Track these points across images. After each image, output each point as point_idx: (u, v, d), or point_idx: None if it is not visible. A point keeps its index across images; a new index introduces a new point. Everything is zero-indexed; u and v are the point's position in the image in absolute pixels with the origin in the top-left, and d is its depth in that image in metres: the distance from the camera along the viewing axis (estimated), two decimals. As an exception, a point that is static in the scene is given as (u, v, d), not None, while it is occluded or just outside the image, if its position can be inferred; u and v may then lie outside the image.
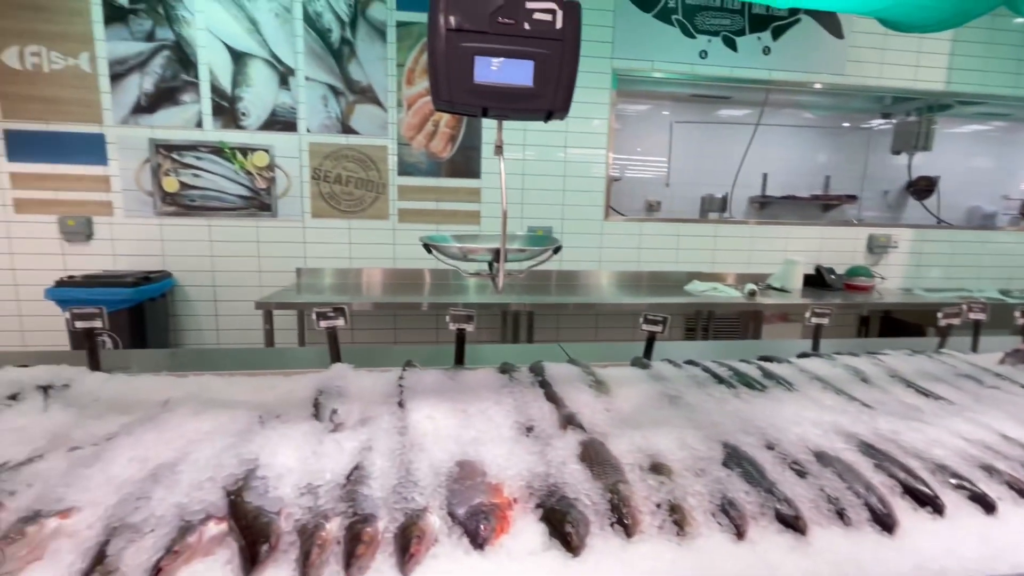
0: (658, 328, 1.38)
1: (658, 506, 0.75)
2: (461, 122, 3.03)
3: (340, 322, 1.28)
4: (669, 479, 0.80)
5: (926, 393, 1.17)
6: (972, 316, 1.58)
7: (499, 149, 1.11)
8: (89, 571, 0.60)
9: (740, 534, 0.72)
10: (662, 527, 0.72)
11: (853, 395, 1.14)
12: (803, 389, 1.17)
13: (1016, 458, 0.90)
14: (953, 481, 0.84)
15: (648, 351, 1.40)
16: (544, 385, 1.13)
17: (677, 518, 0.73)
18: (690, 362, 1.33)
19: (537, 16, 0.90)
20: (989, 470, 0.87)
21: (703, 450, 0.88)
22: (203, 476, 0.75)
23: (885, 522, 0.75)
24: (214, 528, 0.67)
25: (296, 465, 0.80)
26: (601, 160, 3.36)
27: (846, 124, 4.49)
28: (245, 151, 2.96)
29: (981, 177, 4.47)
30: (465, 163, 3.16)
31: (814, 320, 1.50)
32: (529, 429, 0.96)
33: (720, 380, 1.21)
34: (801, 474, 0.83)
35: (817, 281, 3.56)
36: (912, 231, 3.85)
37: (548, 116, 1.00)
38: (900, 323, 3.64)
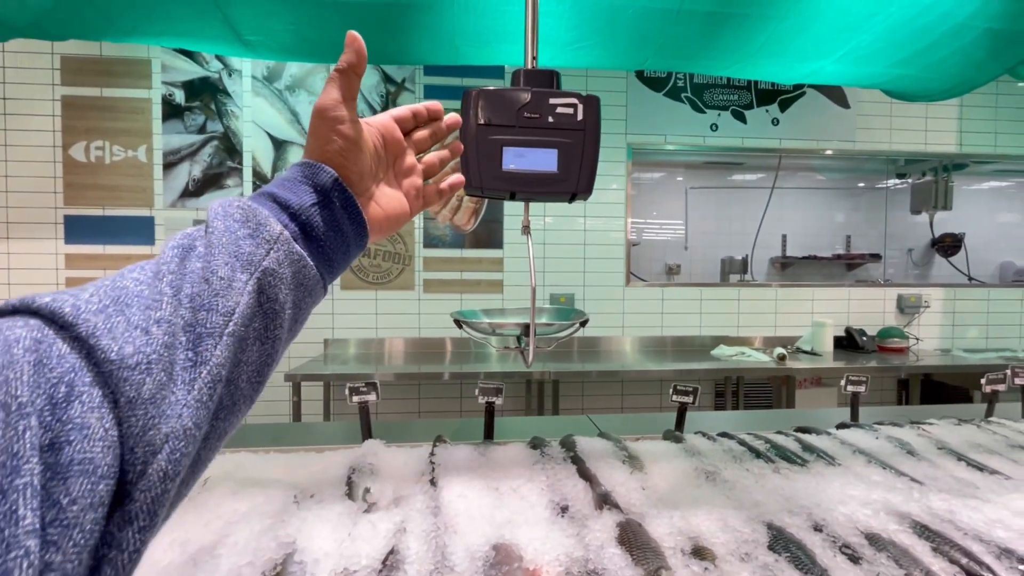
0: (689, 399, 1.36)
1: (704, 595, 0.72)
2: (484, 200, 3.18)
3: (372, 397, 1.30)
4: (714, 564, 0.77)
5: (980, 467, 1.11)
6: (1018, 381, 1.52)
7: (526, 229, 1.18)
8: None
9: (795, 628, 0.68)
10: (710, 619, 0.69)
11: (901, 470, 1.09)
12: (846, 463, 1.13)
13: (1088, 541, 0.84)
14: (1022, 568, 0.78)
15: (680, 423, 1.38)
16: (576, 461, 1.11)
17: (725, 609, 0.69)
18: (724, 434, 1.30)
19: (560, 110, 0.99)
20: (1060, 555, 0.81)
21: (747, 532, 0.85)
22: (243, 560, 0.75)
23: (952, 615, 0.70)
24: (253, 617, 0.66)
25: (332, 548, 0.80)
26: (620, 228, 3.45)
27: (862, 184, 4.55)
28: (281, 229, 3.15)
29: (1009, 232, 4.41)
30: (488, 235, 3.28)
31: (850, 388, 1.46)
32: (564, 509, 0.94)
33: (757, 454, 1.17)
34: (854, 559, 0.79)
35: (849, 343, 3.47)
36: (943, 290, 3.77)
37: (572, 198, 1.06)
38: (941, 386, 3.48)
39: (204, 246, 0.36)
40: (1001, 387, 1.50)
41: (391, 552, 0.79)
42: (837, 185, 4.55)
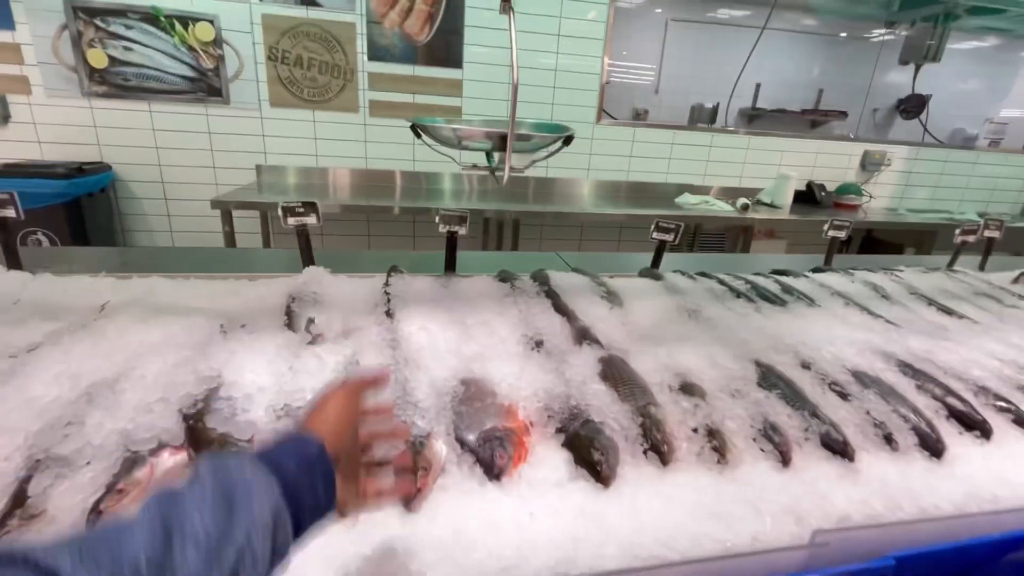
0: (670, 236, 1.25)
1: (695, 431, 0.66)
2: (440, 0, 2.62)
3: (311, 220, 1.10)
4: (704, 401, 0.71)
5: (950, 312, 1.10)
6: (988, 234, 1.51)
7: (507, 4, 0.89)
8: (5, 517, 0.46)
9: (785, 461, 0.64)
10: (700, 454, 0.64)
11: (878, 312, 1.06)
12: (826, 305, 1.09)
13: (1053, 380, 0.85)
14: (997, 404, 0.78)
15: (657, 261, 1.29)
16: (551, 295, 1.00)
17: (716, 444, 0.64)
18: (703, 274, 1.23)
19: None
20: (1029, 392, 0.81)
21: (736, 369, 0.79)
22: (152, 397, 0.61)
23: (934, 448, 0.68)
24: (169, 459, 0.54)
25: (269, 383, 0.67)
26: (597, 54, 3.03)
27: (844, 34, 4.17)
28: (184, 20, 2.49)
29: (968, 99, 4.31)
30: (445, 49, 2.78)
31: (831, 233, 1.40)
32: (539, 344, 0.85)
33: (738, 294, 1.11)
34: (843, 396, 0.75)
35: (807, 198, 3.48)
36: (906, 149, 3.75)
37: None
38: (880, 242, 3.65)
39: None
40: (971, 238, 1.48)
41: (342, 387, 0.67)
42: (822, 31, 4.15)
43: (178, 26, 2.51)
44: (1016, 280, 1.36)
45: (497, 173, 0.99)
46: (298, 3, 2.59)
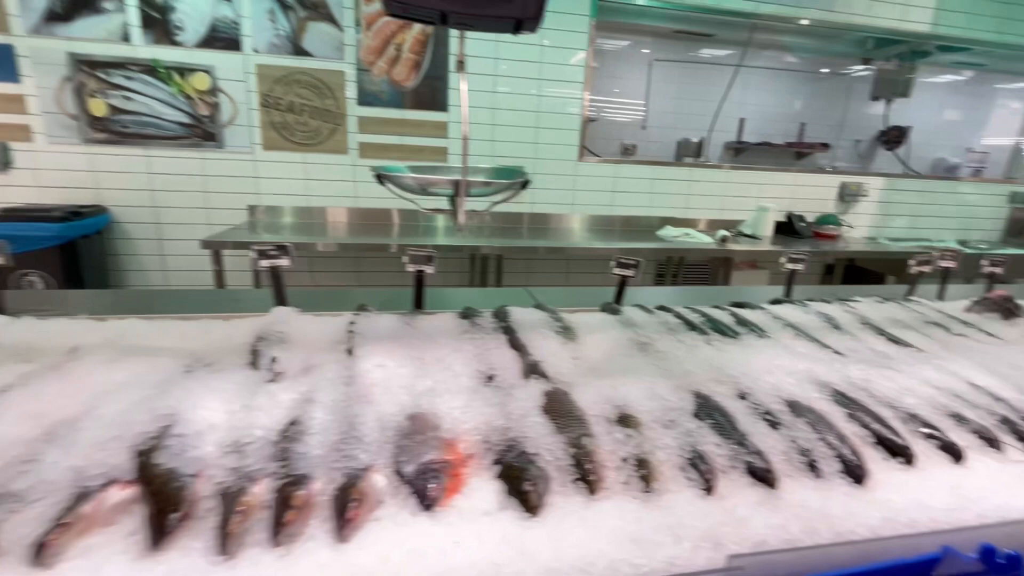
0: (630, 272, 1.31)
1: (624, 460, 0.70)
2: (426, 48, 2.77)
3: (284, 261, 1.16)
4: (637, 431, 0.74)
5: (896, 340, 1.15)
6: (943, 264, 1.57)
7: (461, 65, 0.97)
8: (-44, 549, 0.50)
9: (709, 488, 0.67)
10: (628, 483, 0.67)
11: (825, 343, 1.11)
12: (776, 336, 1.13)
13: (983, 406, 0.89)
14: (924, 430, 0.81)
15: (619, 296, 1.34)
16: (508, 331, 1.05)
17: (644, 473, 0.68)
18: (662, 308, 1.28)
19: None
20: (958, 418, 0.85)
21: (673, 400, 0.83)
22: (108, 434, 0.65)
23: (856, 473, 0.72)
24: (117, 494, 0.58)
25: (222, 420, 0.71)
26: (577, 96, 3.17)
27: (825, 70, 4.37)
28: (183, 71, 2.64)
29: (949, 129, 4.48)
30: (431, 94, 2.93)
31: (789, 266, 1.45)
32: (490, 378, 0.89)
33: (692, 327, 1.15)
34: (774, 425, 0.79)
35: (787, 229, 3.56)
36: (882, 180, 3.86)
37: (518, 27, 0.85)
38: (863, 271, 3.71)
39: None
40: (927, 268, 1.54)
41: (292, 423, 0.71)
42: (802, 67, 4.35)
43: (176, 76, 2.64)
44: (968, 309, 1.40)
45: (456, 215, 1.06)
46: (290, 53, 2.73)
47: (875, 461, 0.75)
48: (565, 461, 0.69)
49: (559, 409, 0.78)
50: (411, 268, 1.20)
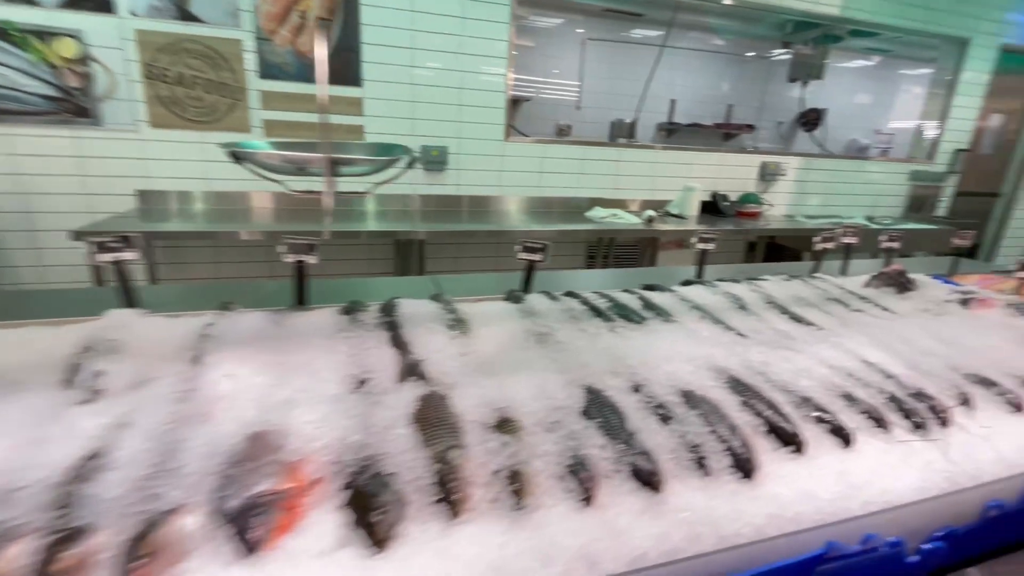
0: (537, 256, 1.23)
1: (496, 474, 0.62)
2: (335, 16, 2.54)
3: (128, 255, 0.99)
4: (515, 438, 0.67)
5: (798, 319, 1.14)
6: (845, 240, 1.60)
7: (320, 21, 0.84)
8: None
9: (588, 499, 0.61)
10: (497, 500, 0.59)
11: (730, 324, 1.08)
12: (681, 319, 1.09)
13: (875, 384, 0.88)
14: (815, 415, 0.79)
15: (527, 282, 1.26)
16: (392, 327, 0.94)
17: (516, 487, 0.60)
18: (570, 294, 1.21)
19: None
20: (849, 399, 0.83)
21: (562, 398, 0.76)
22: None
23: (745, 467, 0.68)
24: None
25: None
26: (501, 73, 3.04)
27: (750, 53, 4.48)
28: (42, 35, 2.28)
29: (861, 112, 4.74)
30: (343, 68, 2.71)
31: (700, 246, 1.43)
32: (361, 383, 0.78)
33: (598, 313, 1.09)
34: (665, 419, 0.74)
35: (713, 208, 3.64)
36: (799, 159, 4.01)
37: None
38: (782, 248, 3.87)
39: None
40: (831, 245, 1.56)
41: (90, 456, 0.58)
42: (728, 50, 4.44)
43: (35, 41, 2.29)
44: (867, 284, 1.43)
45: (326, 198, 0.93)
46: (176, 18, 2.43)
47: (766, 452, 0.71)
48: (427, 480, 0.60)
49: (431, 417, 0.69)
50: (290, 258, 1.07)
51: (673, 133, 4.22)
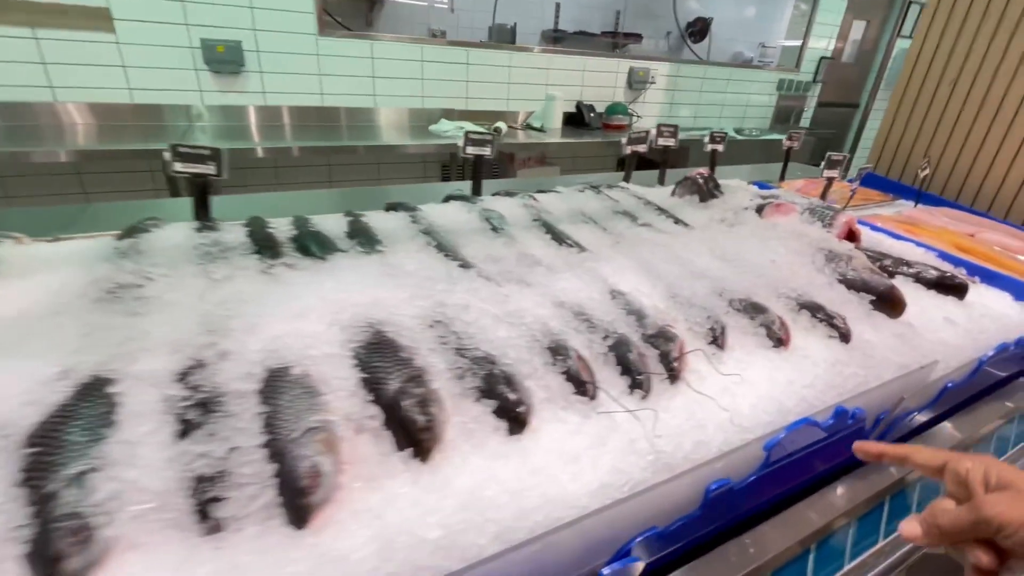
0: (208, 168, 0.85)
1: None
2: None
3: None
4: None
5: (561, 239, 0.88)
6: (661, 142, 1.36)
7: None
8: None
9: None
10: None
11: (457, 254, 0.79)
12: (391, 251, 0.78)
13: (603, 326, 0.64)
14: (486, 387, 0.53)
15: (202, 207, 0.88)
16: None
17: None
18: (252, 221, 0.85)
19: None
20: (555, 354, 0.58)
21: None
22: None
23: (300, 516, 0.40)
24: None
25: None
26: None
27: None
28: None
29: (748, 25, 4.54)
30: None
31: (470, 150, 1.11)
32: None
33: (267, 247, 0.75)
34: (188, 431, 0.43)
35: (579, 120, 3.34)
36: (668, 65, 3.78)
37: None
38: (652, 164, 3.71)
39: None
40: (642, 148, 1.32)
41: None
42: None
43: None
44: (673, 193, 1.21)
45: None
46: None
47: (380, 464, 0.44)
48: None
49: None
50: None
51: (559, 41, 3.78)
